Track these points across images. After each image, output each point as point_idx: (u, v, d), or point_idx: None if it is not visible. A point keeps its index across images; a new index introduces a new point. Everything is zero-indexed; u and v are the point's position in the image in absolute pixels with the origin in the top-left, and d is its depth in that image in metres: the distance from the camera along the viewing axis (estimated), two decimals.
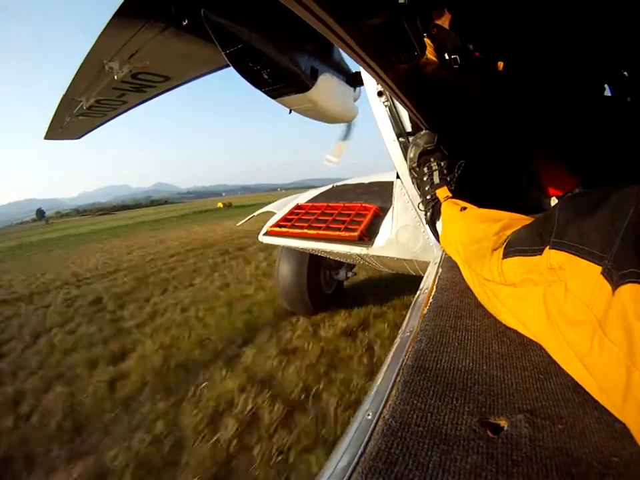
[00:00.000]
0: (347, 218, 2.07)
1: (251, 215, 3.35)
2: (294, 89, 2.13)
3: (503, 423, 0.46)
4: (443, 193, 1.26)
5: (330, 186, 2.86)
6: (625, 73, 2.02)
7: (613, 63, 1.98)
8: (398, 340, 0.73)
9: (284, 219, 2.39)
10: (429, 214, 1.31)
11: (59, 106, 2.20)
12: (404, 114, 1.50)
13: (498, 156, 1.71)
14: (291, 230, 2.25)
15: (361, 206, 2.12)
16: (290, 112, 2.51)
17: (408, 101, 1.06)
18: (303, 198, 2.68)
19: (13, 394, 2.50)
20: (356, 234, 1.89)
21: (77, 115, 2.38)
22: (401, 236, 1.79)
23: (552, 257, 0.53)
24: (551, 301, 0.52)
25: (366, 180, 2.60)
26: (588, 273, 0.45)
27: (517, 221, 0.78)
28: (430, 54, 1.58)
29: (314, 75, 2.16)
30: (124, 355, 2.91)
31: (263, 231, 2.45)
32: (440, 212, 1.23)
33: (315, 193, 2.76)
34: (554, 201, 1.62)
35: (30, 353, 3.20)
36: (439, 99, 1.48)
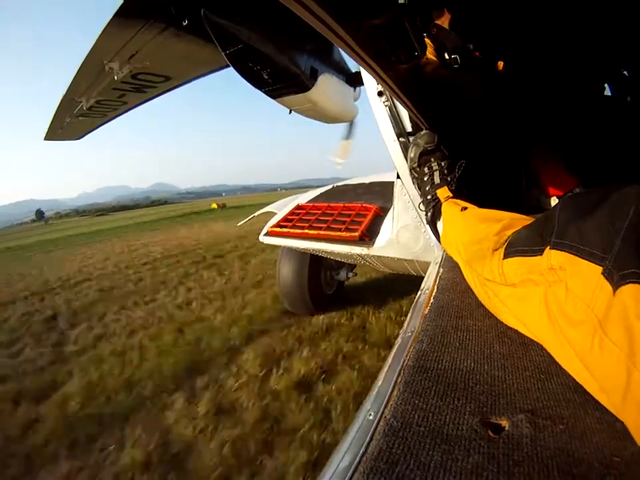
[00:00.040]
0: (348, 218, 2.07)
1: (252, 215, 3.35)
2: (294, 89, 2.13)
3: (504, 423, 0.46)
4: (443, 193, 1.26)
5: (330, 186, 2.86)
6: (625, 72, 2.02)
7: (613, 63, 1.98)
8: (399, 340, 0.73)
9: (284, 219, 2.39)
10: (429, 214, 1.31)
11: (59, 106, 2.20)
12: (404, 114, 1.50)
13: (498, 156, 1.71)
14: (291, 230, 2.25)
15: (362, 206, 2.12)
16: (290, 112, 2.51)
17: (408, 100, 1.06)
18: (304, 198, 2.68)
19: None
20: (357, 234, 1.89)
21: (77, 116, 2.38)
22: (401, 236, 1.79)
23: (552, 257, 0.53)
24: (552, 301, 0.52)
25: (366, 180, 2.60)
26: (589, 273, 0.45)
27: (517, 221, 0.78)
28: (430, 54, 1.58)
29: (314, 75, 2.17)
30: (47, 391, 2.52)
31: (264, 231, 2.45)
32: (441, 212, 1.23)
33: (316, 193, 2.76)
34: (554, 201, 1.62)
35: None
36: (439, 98, 1.48)
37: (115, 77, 1.86)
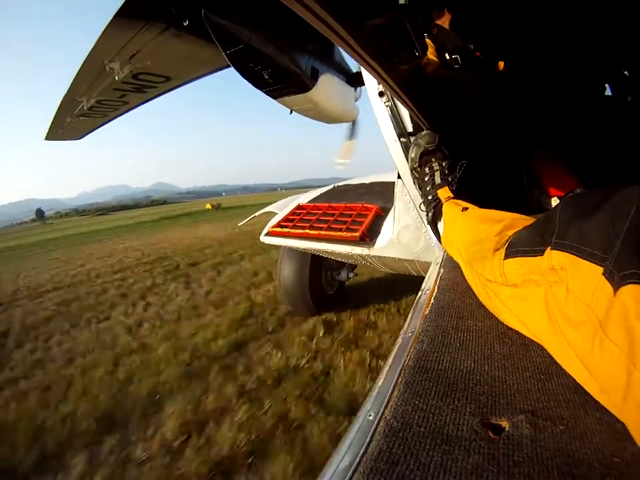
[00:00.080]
0: (349, 218, 2.07)
1: (252, 215, 3.35)
2: (294, 89, 2.14)
3: (505, 423, 0.46)
4: (444, 193, 1.26)
5: (331, 186, 2.86)
6: (626, 72, 2.02)
7: (614, 63, 1.98)
8: (400, 340, 0.73)
9: (285, 219, 2.40)
10: (430, 214, 1.31)
11: (59, 107, 2.20)
12: (405, 114, 1.50)
13: (499, 156, 1.71)
14: (292, 230, 2.25)
15: (363, 206, 2.12)
16: (291, 112, 2.51)
17: (409, 101, 1.06)
18: (304, 198, 2.68)
19: None
20: (357, 234, 1.89)
21: (77, 116, 2.39)
22: (402, 236, 1.79)
23: (553, 257, 0.53)
24: (552, 302, 0.52)
25: (367, 180, 2.60)
26: (589, 273, 0.45)
27: (518, 221, 0.78)
28: (431, 54, 1.58)
29: (314, 75, 2.17)
30: None
31: (265, 231, 2.46)
32: (441, 212, 1.23)
33: (316, 193, 2.76)
34: (555, 201, 1.62)
35: None
36: (440, 99, 1.48)
37: (116, 77, 1.87)
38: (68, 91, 2.02)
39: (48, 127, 2.47)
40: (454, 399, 0.51)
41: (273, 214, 2.73)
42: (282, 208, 2.70)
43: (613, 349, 0.39)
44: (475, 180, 1.37)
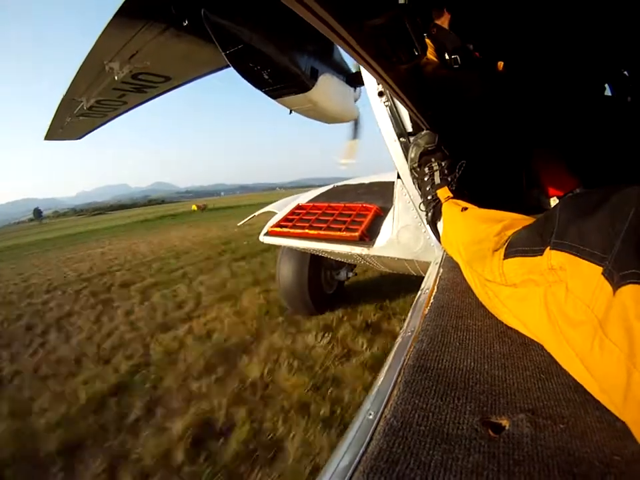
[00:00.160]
0: (348, 218, 2.07)
1: (252, 215, 3.35)
2: (294, 89, 2.14)
3: (505, 422, 0.46)
4: (443, 193, 1.26)
5: (331, 186, 2.86)
6: (625, 72, 2.02)
7: (613, 63, 1.98)
8: (399, 340, 0.73)
9: (285, 219, 2.40)
10: (429, 214, 1.32)
11: (59, 106, 2.20)
12: (405, 114, 1.50)
13: (498, 156, 1.71)
14: (292, 230, 2.25)
15: (362, 206, 2.12)
16: (290, 112, 2.51)
17: (409, 100, 1.06)
18: (304, 198, 2.68)
19: None
20: (357, 234, 1.89)
21: (77, 116, 2.39)
22: (401, 236, 1.79)
23: (553, 257, 0.53)
24: (552, 302, 0.52)
25: (367, 180, 2.60)
26: (589, 273, 0.45)
27: (517, 221, 0.78)
28: (430, 54, 1.58)
29: (314, 75, 2.17)
30: None
31: (264, 231, 2.46)
32: (441, 212, 1.23)
33: (316, 193, 2.76)
34: (554, 201, 1.62)
35: None
36: (439, 98, 1.48)
37: (115, 77, 1.87)
38: (67, 91, 2.02)
39: (47, 126, 2.47)
40: (454, 397, 0.52)
41: (272, 214, 2.73)
42: (281, 208, 2.70)
43: (613, 349, 0.39)
44: (475, 180, 1.37)
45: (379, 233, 1.89)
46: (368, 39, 0.59)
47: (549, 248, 0.55)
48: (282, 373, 2.37)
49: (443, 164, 1.33)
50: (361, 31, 0.55)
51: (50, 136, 2.63)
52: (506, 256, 0.67)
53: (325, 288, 3.29)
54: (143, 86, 2.22)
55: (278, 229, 2.33)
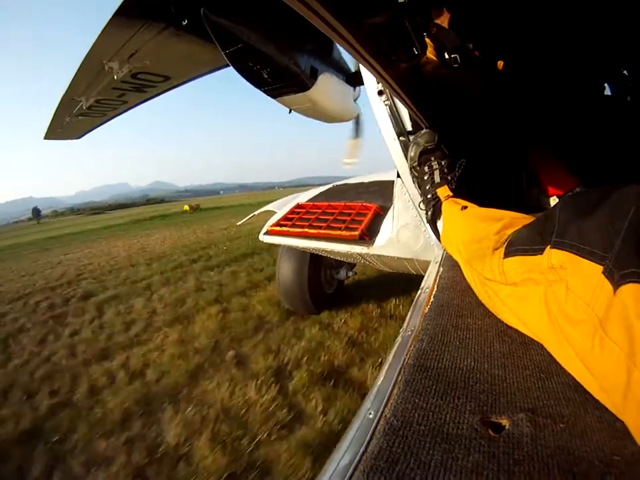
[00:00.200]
0: (348, 217, 2.07)
1: (252, 214, 3.35)
2: (294, 89, 2.14)
3: (505, 421, 0.46)
4: (443, 192, 1.26)
5: (330, 185, 2.86)
6: (625, 72, 2.02)
7: (613, 62, 1.98)
8: (399, 339, 0.73)
9: (284, 218, 2.40)
10: (429, 213, 1.31)
11: (58, 106, 2.20)
12: (404, 113, 1.50)
13: (498, 155, 1.71)
14: (291, 229, 2.25)
15: (362, 205, 2.12)
16: (290, 111, 2.51)
17: (408, 99, 1.06)
18: (304, 197, 2.68)
19: None
20: (357, 233, 1.89)
21: (76, 115, 2.38)
22: (401, 235, 1.79)
23: (553, 256, 0.53)
24: (552, 300, 0.52)
25: (366, 179, 2.60)
26: (589, 272, 0.45)
27: (517, 220, 0.78)
28: (430, 53, 1.58)
29: (314, 75, 2.17)
30: None
31: (264, 230, 2.46)
32: (441, 211, 1.23)
33: (316, 192, 2.76)
34: (554, 201, 1.61)
35: None
36: (439, 97, 1.48)
37: (115, 77, 1.87)
38: (67, 90, 2.02)
39: (47, 126, 2.47)
40: (454, 397, 0.51)
41: (272, 213, 2.73)
42: (281, 207, 2.70)
43: (613, 348, 0.39)
44: (474, 179, 1.37)
45: (378, 232, 1.89)
46: (368, 37, 0.59)
47: (549, 247, 0.54)
48: (202, 445, 1.85)
49: (443, 163, 1.33)
50: (361, 29, 0.55)
51: (49, 135, 2.63)
52: (506, 255, 0.67)
53: (325, 287, 3.29)
54: (143, 85, 2.21)
55: (278, 228, 2.33)
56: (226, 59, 1.73)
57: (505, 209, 0.87)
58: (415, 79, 1.36)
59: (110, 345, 3.35)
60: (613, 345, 0.39)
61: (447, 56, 1.57)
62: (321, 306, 3.21)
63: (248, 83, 1.94)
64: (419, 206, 1.43)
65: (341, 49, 1.87)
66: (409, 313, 0.86)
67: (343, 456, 0.45)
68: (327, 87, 2.36)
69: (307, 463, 1.66)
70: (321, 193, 2.71)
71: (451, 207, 1.15)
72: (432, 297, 0.89)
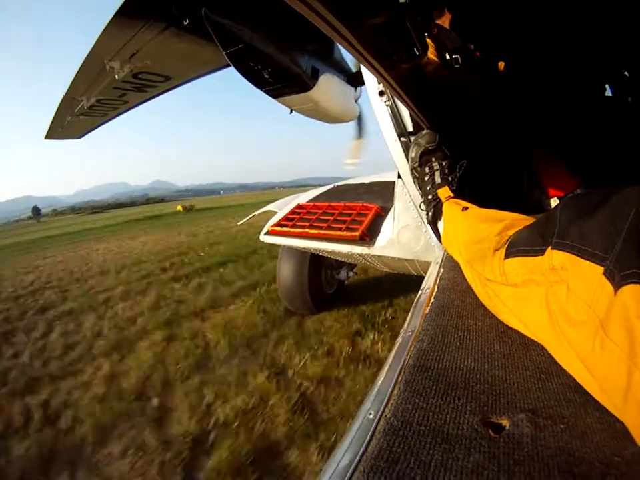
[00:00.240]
0: (348, 218, 2.07)
1: (252, 214, 3.34)
2: (295, 89, 2.13)
3: (505, 422, 0.46)
4: (444, 192, 1.26)
5: (331, 185, 2.86)
6: (626, 73, 2.02)
7: (614, 63, 1.97)
8: (400, 339, 0.73)
9: (285, 218, 2.40)
10: (430, 214, 1.31)
11: (59, 105, 2.20)
12: (405, 113, 1.50)
13: (499, 156, 1.71)
14: (292, 229, 2.25)
15: (362, 206, 2.12)
16: (291, 112, 2.51)
17: (409, 100, 1.06)
18: (304, 197, 2.68)
19: None
20: (357, 234, 1.89)
21: (77, 115, 2.38)
22: (402, 236, 1.79)
23: (554, 257, 0.53)
24: (553, 301, 0.52)
25: (367, 180, 2.60)
26: (590, 273, 0.45)
27: (518, 221, 0.78)
28: (431, 54, 1.58)
29: (315, 75, 2.17)
30: None
31: (264, 230, 2.46)
32: (441, 212, 1.23)
33: (316, 193, 2.76)
34: (555, 202, 1.61)
35: None
36: (440, 98, 1.48)
37: (116, 76, 1.87)
38: (68, 90, 2.02)
39: (48, 125, 2.47)
40: (454, 397, 0.51)
41: (272, 213, 2.73)
42: (281, 207, 2.70)
43: (614, 349, 0.39)
44: (475, 180, 1.37)
45: (379, 232, 1.89)
46: (369, 37, 0.59)
47: (550, 248, 0.54)
48: None
49: (444, 163, 1.33)
50: (362, 30, 0.55)
51: (50, 135, 2.63)
52: (507, 255, 0.67)
53: (325, 287, 3.29)
54: (144, 85, 2.22)
55: (278, 228, 2.33)
56: (227, 59, 1.73)
57: (506, 210, 0.87)
58: (416, 80, 1.36)
59: (38, 376, 2.90)
60: (614, 346, 0.39)
61: (448, 56, 1.57)
62: (321, 306, 3.21)
63: (249, 83, 1.95)
64: (420, 207, 1.43)
65: (341, 49, 1.87)
66: (410, 314, 0.86)
67: (343, 456, 0.45)
68: (328, 87, 2.36)
69: None
70: (322, 194, 2.71)
71: (452, 208, 1.15)
72: (432, 297, 0.89)
